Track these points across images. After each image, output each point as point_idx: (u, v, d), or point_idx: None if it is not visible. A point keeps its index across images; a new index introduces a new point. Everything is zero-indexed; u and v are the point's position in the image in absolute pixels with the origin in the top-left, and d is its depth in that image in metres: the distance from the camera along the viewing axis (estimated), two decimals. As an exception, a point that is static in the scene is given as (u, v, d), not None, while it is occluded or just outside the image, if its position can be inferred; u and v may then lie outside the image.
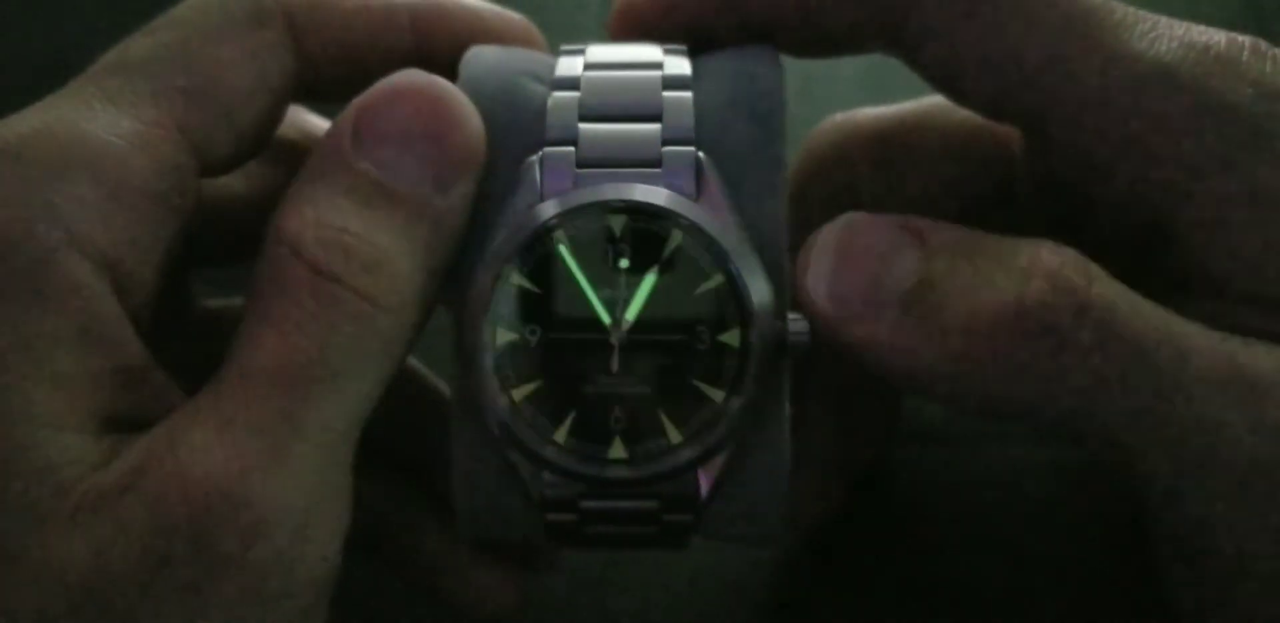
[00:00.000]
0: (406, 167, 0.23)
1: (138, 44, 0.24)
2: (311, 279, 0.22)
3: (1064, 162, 0.24)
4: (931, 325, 0.22)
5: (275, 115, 0.25)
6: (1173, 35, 0.24)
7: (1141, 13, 0.24)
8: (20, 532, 0.20)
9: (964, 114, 0.29)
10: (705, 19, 0.26)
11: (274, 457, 0.21)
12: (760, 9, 0.25)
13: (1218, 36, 0.24)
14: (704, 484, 0.23)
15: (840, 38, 0.25)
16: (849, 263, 0.22)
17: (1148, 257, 0.24)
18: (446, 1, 0.26)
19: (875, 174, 0.29)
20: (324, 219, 0.22)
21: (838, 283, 0.22)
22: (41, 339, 0.21)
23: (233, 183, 0.27)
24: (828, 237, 0.23)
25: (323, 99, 0.26)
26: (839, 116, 0.30)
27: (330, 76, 0.26)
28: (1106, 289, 0.22)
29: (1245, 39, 0.24)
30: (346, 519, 0.22)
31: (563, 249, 0.23)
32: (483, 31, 0.27)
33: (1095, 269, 0.22)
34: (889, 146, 0.29)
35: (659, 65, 0.25)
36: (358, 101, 0.23)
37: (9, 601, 0.20)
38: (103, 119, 0.22)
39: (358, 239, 0.22)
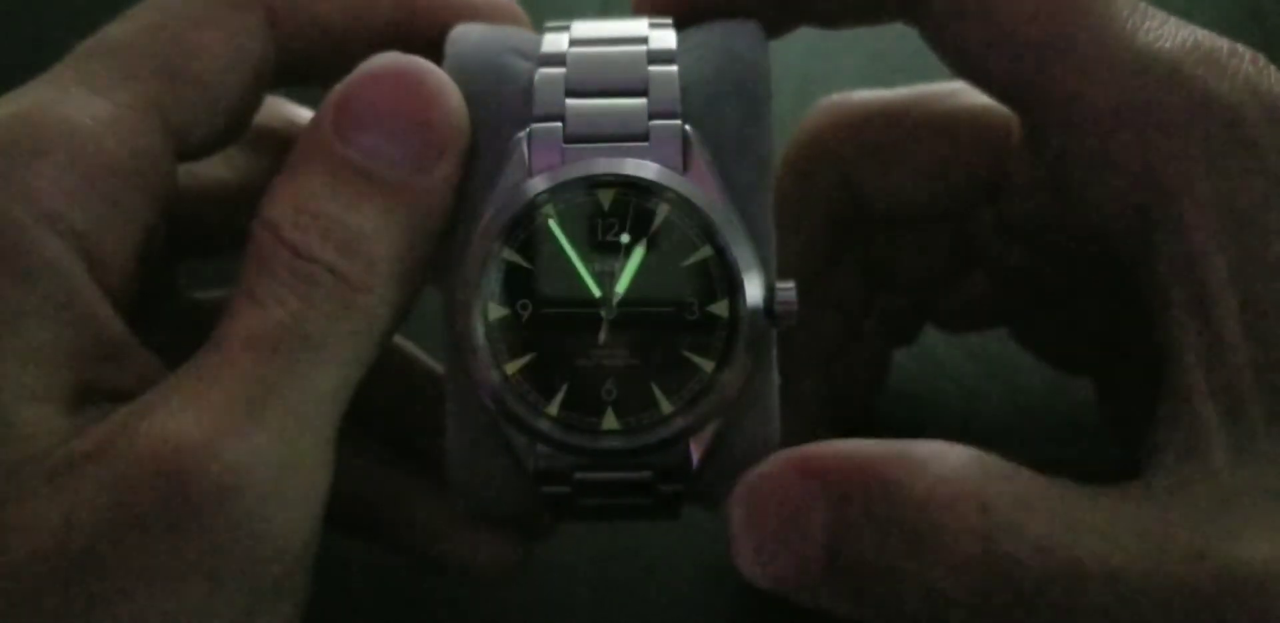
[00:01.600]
0: (386, 150, 0.23)
1: (116, 29, 0.24)
2: (291, 260, 0.22)
3: (1059, 149, 0.25)
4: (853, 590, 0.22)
5: (253, 99, 0.25)
6: (1179, 34, 0.24)
7: (1152, 9, 0.24)
8: (8, 489, 0.21)
9: (957, 101, 0.29)
10: None
11: (246, 420, 0.21)
12: None
13: (1220, 42, 0.24)
14: (695, 454, 0.23)
15: (864, 5, 0.26)
16: (766, 533, 0.22)
17: (1128, 251, 0.24)
18: None
19: (865, 156, 0.30)
20: (303, 205, 0.23)
21: (764, 555, 0.22)
22: (16, 314, 0.21)
23: (219, 172, 0.27)
24: (739, 500, 0.22)
25: (306, 82, 0.26)
26: (835, 97, 0.30)
27: (311, 59, 0.26)
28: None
29: (1245, 50, 0.24)
30: (323, 490, 0.23)
31: (552, 224, 0.23)
32: (466, 9, 0.27)
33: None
34: (880, 129, 0.30)
35: (644, 40, 0.25)
36: (338, 87, 0.23)
37: (7, 544, 0.20)
38: (78, 101, 0.23)
39: (335, 223, 0.22)
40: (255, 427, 0.21)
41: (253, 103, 0.25)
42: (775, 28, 0.26)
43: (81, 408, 0.22)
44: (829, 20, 0.27)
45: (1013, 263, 0.30)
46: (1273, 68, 0.24)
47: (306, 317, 0.22)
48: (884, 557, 0.21)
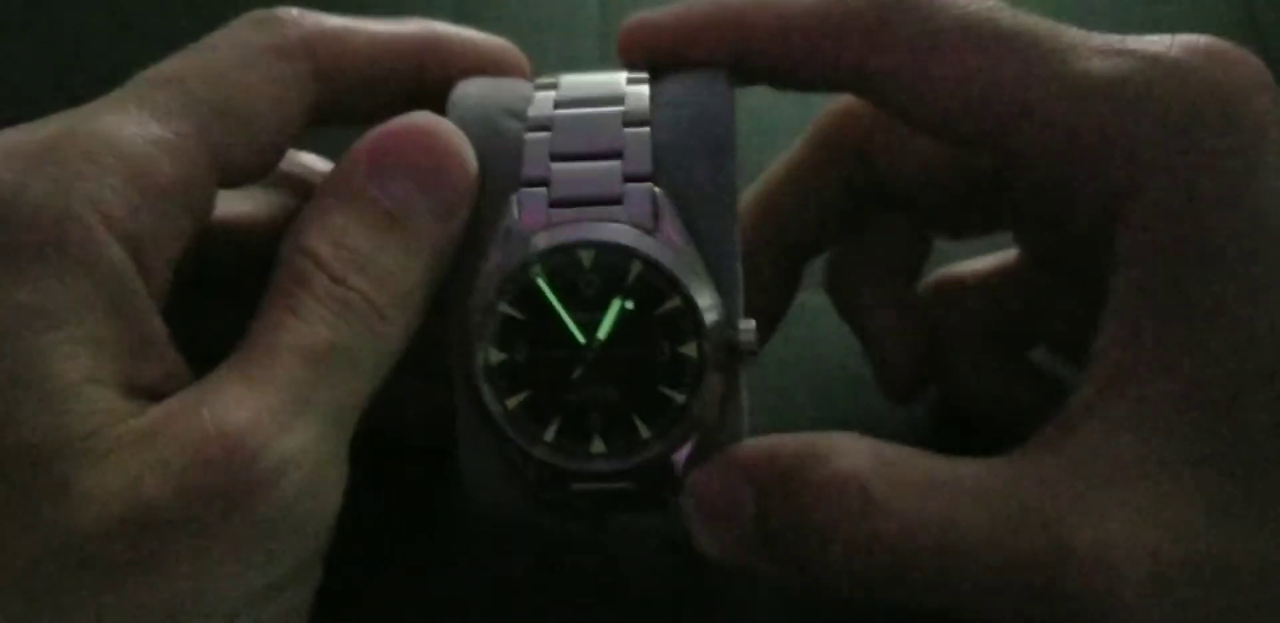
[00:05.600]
0: (413, 198, 0.26)
1: (174, 65, 0.27)
2: (330, 285, 0.26)
3: (1025, 183, 0.27)
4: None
5: (290, 138, 0.28)
6: (1122, 50, 0.25)
7: (1091, 34, 0.26)
8: (65, 468, 0.23)
9: None
10: (696, 50, 0.29)
11: (295, 418, 0.24)
12: (750, 46, 0.28)
13: (1168, 45, 0.25)
14: (678, 464, 0.27)
15: (813, 76, 0.28)
16: (712, 518, 0.26)
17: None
18: (444, 33, 0.29)
19: (882, 133, 0.32)
20: (340, 239, 0.26)
21: (712, 535, 0.26)
22: (81, 304, 0.23)
23: (240, 205, 0.30)
24: (689, 493, 0.27)
25: (335, 123, 0.29)
26: None
27: (343, 103, 0.29)
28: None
29: (1203, 43, 0.25)
30: (343, 487, 0.26)
31: (541, 282, 0.26)
32: (476, 58, 0.30)
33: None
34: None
35: (621, 99, 0.28)
36: (371, 136, 0.27)
37: (59, 526, 0.22)
38: (138, 125, 0.25)
39: (368, 259, 0.26)
40: (302, 425, 0.24)
41: (289, 140, 0.28)
42: (739, 80, 0.29)
43: (129, 397, 0.24)
44: (784, 87, 0.29)
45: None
46: (1234, 52, 0.25)
47: (340, 335, 0.25)
48: (797, 537, 0.25)
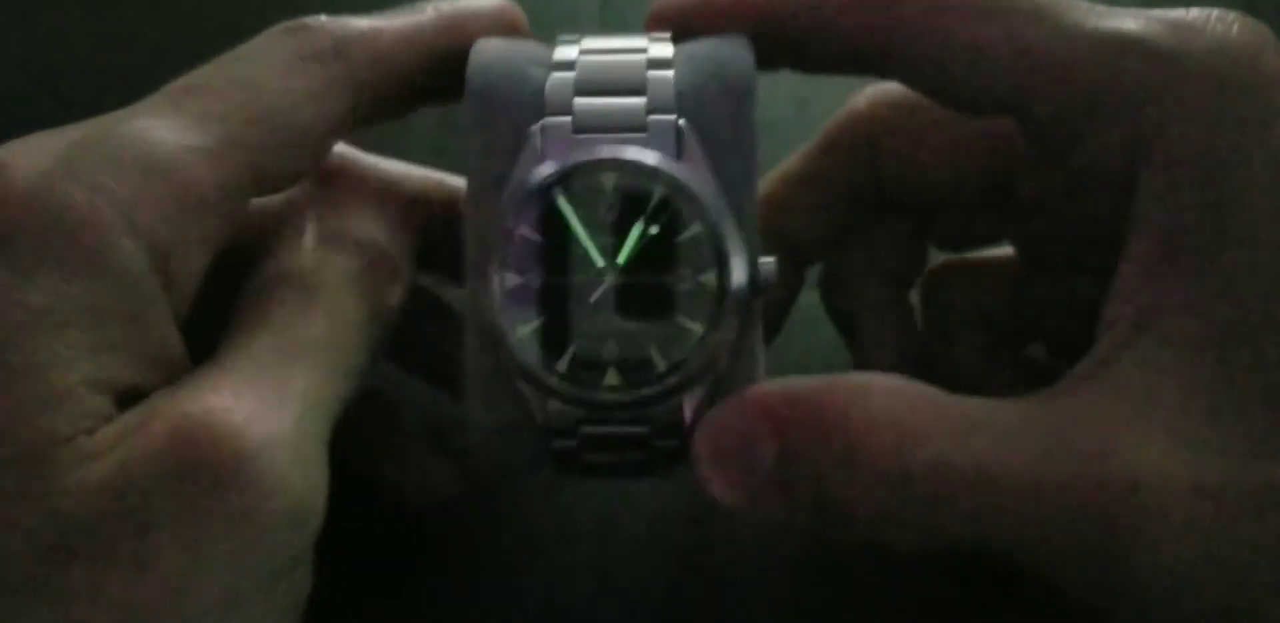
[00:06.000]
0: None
1: (210, 72, 0.27)
2: (305, 275, 0.27)
3: (1045, 143, 0.27)
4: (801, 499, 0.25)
5: (328, 142, 0.28)
6: (1135, 14, 0.26)
7: (1105, 7, 0.27)
8: (52, 468, 0.23)
9: None
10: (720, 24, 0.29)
11: (271, 401, 0.24)
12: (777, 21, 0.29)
13: (1180, 11, 0.26)
14: (688, 411, 0.26)
15: (834, 52, 0.29)
16: (727, 462, 0.26)
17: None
18: (457, 13, 0.29)
19: (893, 137, 0.32)
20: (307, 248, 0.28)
21: (726, 481, 0.26)
22: (94, 309, 0.24)
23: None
24: (703, 437, 0.26)
25: (373, 124, 0.29)
26: (880, 83, 0.33)
27: (379, 103, 0.29)
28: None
29: (1213, 10, 0.25)
30: (326, 478, 0.26)
31: (562, 203, 0.26)
32: (490, 27, 0.30)
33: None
34: (909, 114, 0.32)
35: (644, 50, 0.28)
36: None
37: (46, 522, 0.23)
38: (172, 131, 0.25)
39: (336, 270, 0.28)
40: (280, 409, 0.24)
41: (326, 148, 0.28)
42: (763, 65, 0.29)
43: (129, 403, 0.24)
44: (805, 68, 0.30)
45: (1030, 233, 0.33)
46: (1239, 17, 0.25)
47: (316, 334, 0.26)
48: (821, 478, 0.24)
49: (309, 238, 0.28)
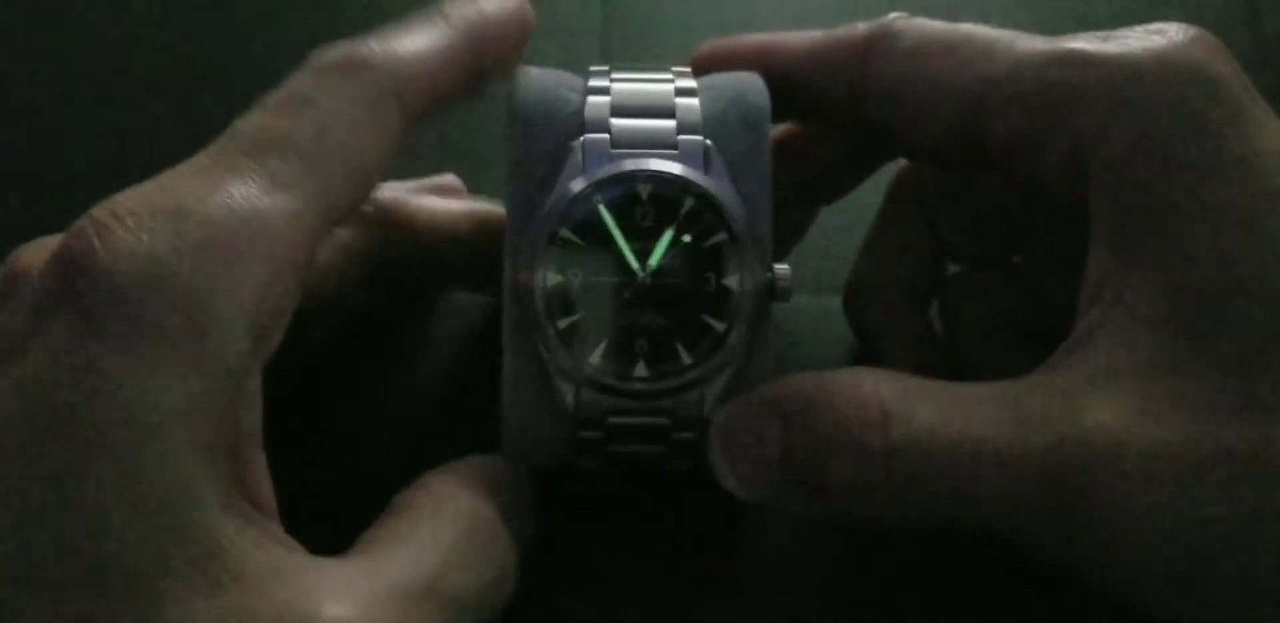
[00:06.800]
0: None
1: (276, 121, 0.26)
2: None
3: (1010, 159, 0.29)
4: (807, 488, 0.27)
5: (381, 176, 0.28)
6: (1088, 35, 0.28)
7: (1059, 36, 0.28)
8: (164, 592, 0.22)
9: None
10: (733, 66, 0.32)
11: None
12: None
13: (1138, 27, 0.27)
14: (707, 403, 0.29)
15: (822, 98, 0.31)
16: (738, 452, 0.28)
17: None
18: (481, 24, 0.30)
19: (936, 194, 0.34)
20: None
21: (737, 470, 0.28)
22: (189, 407, 0.23)
23: None
24: (717, 430, 0.28)
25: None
26: None
27: (421, 128, 0.29)
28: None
29: (1171, 24, 0.27)
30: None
31: (601, 209, 0.29)
32: (507, 34, 0.30)
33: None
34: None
35: (671, 80, 0.31)
36: None
37: None
38: (270, 198, 0.25)
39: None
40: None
41: (379, 182, 0.29)
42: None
43: (225, 510, 0.23)
44: (804, 117, 0.33)
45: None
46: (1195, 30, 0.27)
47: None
48: (819, 461, 0.27)
49: None
